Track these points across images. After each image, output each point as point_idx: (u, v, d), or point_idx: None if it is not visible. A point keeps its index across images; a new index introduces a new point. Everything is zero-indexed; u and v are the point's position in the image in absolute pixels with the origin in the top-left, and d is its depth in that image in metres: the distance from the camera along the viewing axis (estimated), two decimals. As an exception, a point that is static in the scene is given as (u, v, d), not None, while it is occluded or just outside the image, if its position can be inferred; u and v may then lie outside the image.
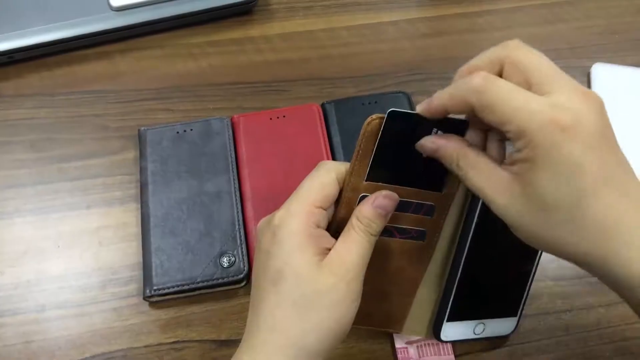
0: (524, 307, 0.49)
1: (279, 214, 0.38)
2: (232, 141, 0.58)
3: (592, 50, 0.67)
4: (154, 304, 0.52)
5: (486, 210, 0.43)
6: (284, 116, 0.59)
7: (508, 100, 0.32)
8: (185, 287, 0.51)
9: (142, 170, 0.56)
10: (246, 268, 0.52)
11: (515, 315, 0.50)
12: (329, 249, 0.37)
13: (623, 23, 0.69)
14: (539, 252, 0.48)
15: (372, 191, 0.39)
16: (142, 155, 0.57)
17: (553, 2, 0.71)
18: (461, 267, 0.46)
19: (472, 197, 0.44)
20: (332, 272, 0.36)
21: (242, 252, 0.52)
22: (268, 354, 0.36)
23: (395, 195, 0.39)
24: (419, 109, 0.37)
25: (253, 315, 0.38)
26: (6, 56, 0.63)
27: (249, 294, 0.40)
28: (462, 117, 0.38)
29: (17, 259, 0.54)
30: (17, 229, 0.55)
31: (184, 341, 0.51)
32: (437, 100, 0.36)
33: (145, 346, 0.50)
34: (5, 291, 0.52)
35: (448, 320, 0.47)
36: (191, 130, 0.58)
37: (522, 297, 0.49)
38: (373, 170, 0.39)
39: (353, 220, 0.38)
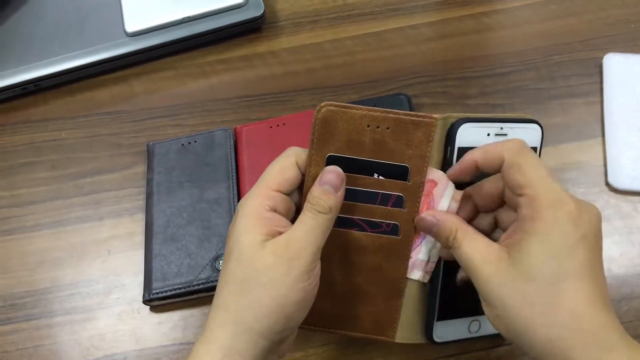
0: None
1: (242, 199, 0.39)
2: (233, 150, 0.60)
3: (605, 41, 0.65)
4: (154, 308, 0.54)
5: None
6: (284, 124, 0.61)
7: (537, 168, 0.36)
8: (182, 290, 0.52)
9: (149, 182, 0.59)
10: (241, 271, 0.53)
11: None
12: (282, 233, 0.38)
13: (639, 12, 0.66)
14: None
15: None
16: (149, 168, 0.60)
17: (563, -3, 0.69)
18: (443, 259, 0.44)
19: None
20: (272, 251, 0.36)
21: (237, 255, 0.53)
22: (212, 329, 0.37)
23: (339, 170, 0.39)
24: (451, 173, 0.42)
25: None
26: (33, 84, 0.68)
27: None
28: (404, 164, 0.41)
29: (34, 269, 0.57)
30: (35, 242, 0.59)
31: (181, 343, 0.52)
32: (469, 156, 0.40)
33: (144, 349, 0.52)
34: (22, 299, 0.56)
35: (439, 319, 0.45)
36: (195, 142, 0.61)
37: None
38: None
39: (305, 203, 0.38)
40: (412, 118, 0.40)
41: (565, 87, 0.62)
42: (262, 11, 0.69)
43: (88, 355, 0.52)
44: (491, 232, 0.42)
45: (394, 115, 0.40)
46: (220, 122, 0.64)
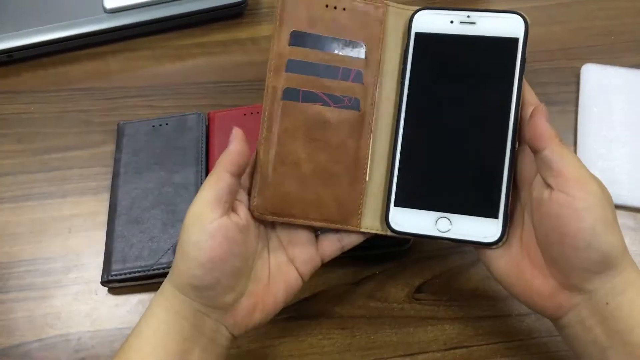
0: (508, 209, 0.40)
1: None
2: (205, 136, 0.59)
3: (586, 51, 0.65)
4: (113, 290, 0.53)
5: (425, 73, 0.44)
6: (257, 112, 0.60)
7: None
8: (142, 274, 0.52)
9: (116, 162, 0.58)
10: (203, 257, 0.52)
11: (497, 217, 0.40)
12: None
13: (622, 25, 0.66)
14: (515, 131, 0.42)
15: (298, 55, 0.43)
16: (117, 148, 0.59)
17: (548, 5, 0.69)
18: (400, 136, 0.43)
19: (405, 66, 0.44)
20: None
21: (200, 241, 0.53)
22: None
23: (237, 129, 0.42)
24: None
25: None
26: (6, 55, 0.66)
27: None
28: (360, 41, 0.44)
29: (-9, 243, 0.56)
30: (-5, 215, 0.57)
31: (136, 327, 0.51)
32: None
33: (99, 330, 0.51)
34: (-24, 273, 0.54)
35: (396, 205, 0.42)
36: (167, 124, 0.60)
37: (501, 192, 0.41)
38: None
39: None
40: (364, 2, 0.44)
41: (542, 94, 0.61)
42: (244, -4, 0.68)
43: (42, 333, 0.51)
44: None
45: None
46: (193, 107, 0.63)
